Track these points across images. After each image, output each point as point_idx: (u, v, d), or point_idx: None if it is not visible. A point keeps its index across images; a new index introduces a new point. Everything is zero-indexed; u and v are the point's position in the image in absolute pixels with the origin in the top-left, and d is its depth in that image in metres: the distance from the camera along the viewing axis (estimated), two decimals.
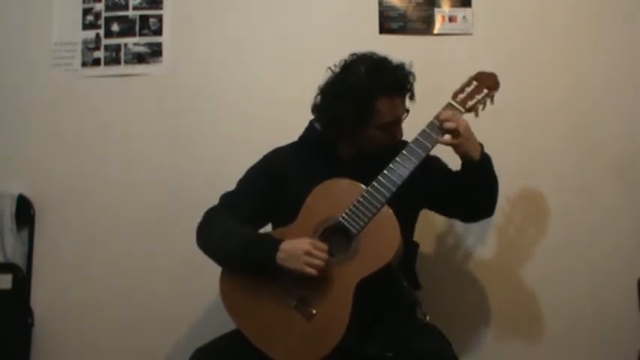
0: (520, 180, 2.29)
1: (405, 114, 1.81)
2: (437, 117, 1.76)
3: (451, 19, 2.36)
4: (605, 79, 2.33)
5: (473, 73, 1.89)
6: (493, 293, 2.29)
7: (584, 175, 2.30)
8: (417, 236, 1.98)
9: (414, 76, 1.80)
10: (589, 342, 2.25)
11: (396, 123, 1.79)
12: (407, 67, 1.80)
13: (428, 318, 1.75)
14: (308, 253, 1.64)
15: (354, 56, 1.82)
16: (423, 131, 1.75)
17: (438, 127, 1.75)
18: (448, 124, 1.73)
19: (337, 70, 1.82)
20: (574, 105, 2.33)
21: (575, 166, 2.31)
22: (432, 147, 1.75)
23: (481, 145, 1.79)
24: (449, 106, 1.80)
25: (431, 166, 1.83)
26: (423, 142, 1.74)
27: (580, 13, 2.36)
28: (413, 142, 1.75)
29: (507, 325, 2.27)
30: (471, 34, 2.35)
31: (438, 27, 2.37)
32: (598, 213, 2.29)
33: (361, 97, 1.73)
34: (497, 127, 2.28)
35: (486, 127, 2.22)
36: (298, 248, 1.65)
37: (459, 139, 1.73)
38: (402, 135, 1.82)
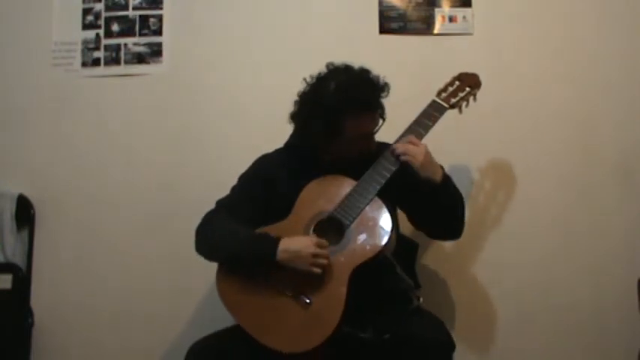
0: (519, 180, 2.29)
1: (381, 123, 1.83)
2: (392, 150, 1.79)
3: (451, 19, 2.36)
4: (605, 80, 2.33)
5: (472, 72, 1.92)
6: (493, 293, 2.29)
7: (584, 176, 2.30)
8: (417, 236, 1.98)
9: (388, 86, 1.81)
10: (589, 342, 2.25)
11: (365, 137, 1.82)
12: (380, 82, 1.81)
13: (422, 300, 1.79)
14: (315, 255, 1.69)
15: (330, 68, 1.84)
16: (383, 156, 1.80)
17: (393, 158, 1.79)
18: (404, 158, 1.77)
19: (312, 81, 1.84)
20: (574, 105, 2.33)
21: (575, 166, 2.31)
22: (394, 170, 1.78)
23: (442, 168, 1.82)
24: (433, 103, 1.87)
25: (409, 173, 1.82)
26: (383, 167, 1.78)
27: (580, 13, 2.35)
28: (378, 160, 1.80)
29: (507, 325, 2.27)
30: (471, 34, 2.35)
31: (438, 27, 2.37)
32: (598, 213, 2.29)
33: (329, 116, 1.76)
34: (496, 128, 2.29)
35: (486, 128, 2.24)
36: (304, 251, 1.69)
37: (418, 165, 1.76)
38: (374, 146, 1.85)
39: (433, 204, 1.81)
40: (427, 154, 1.78)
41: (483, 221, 2.29)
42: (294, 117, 1.88)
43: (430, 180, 1.77)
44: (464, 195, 1.90)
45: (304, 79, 1.85)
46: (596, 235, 2.28)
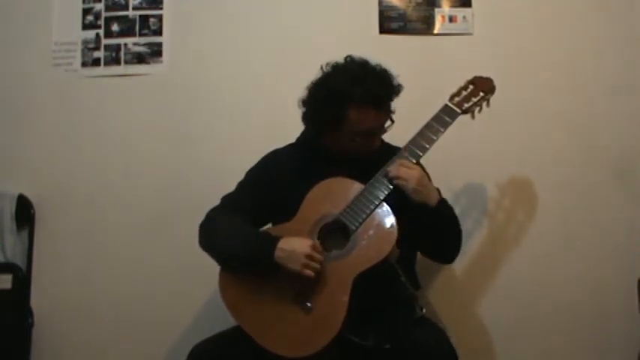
0: (519, 181, 2.29)
1: (389, 124, 1.81)
2: (385, 172, 1.74)
3: (451, 19, 2.36)
4: (605, 80, 2.33)
5: (473, 73, 1.92)
6: (493, 294, 2.29)
7: (585, 176, 2.30)
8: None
9: (400, 87, 1.80)
10: (589, 342, 2.25)
11: (368, 134, 1.79)
12: (394, 80, 1.79)
13: (424, 311, 1.77)
14: (308, 257, 1.67)
15: (347, 59, 1.83)
16: (381, 172, 1.75)
17: (387, 179, 1.74)
18: (397, 182, 1.73)
19: (327, 69, 1.83)
20: (574, 105, 2.33)
21: (576, 166, 2.31)
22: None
23: (438, 190, 1.80)
24: (445, 108, 1.82)
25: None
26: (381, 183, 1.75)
27: (580, 14, 2.35)
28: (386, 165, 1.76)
29: (507, 326, 2.27)
30: (471, 34, 2.35)
31: (438, 27, 2.37)
32: (598, 213, 2.29)
33: (335, 102, 1.75)
34: (496, 128, 2.29)
35: (486, 128, 2.24)
36: (299, 251, 1.68)
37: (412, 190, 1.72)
38: (377, 145, 1.83)
39: (425, 227, 1.76)
40: (421, 177, 1.74)
41: (482, 223, 2.29)
42: (303, 103, 1.86)
43: (424, 204, 1.73)
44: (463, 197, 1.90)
45: (321, 67, 1.84)
46: (596, 236, 2.28)
